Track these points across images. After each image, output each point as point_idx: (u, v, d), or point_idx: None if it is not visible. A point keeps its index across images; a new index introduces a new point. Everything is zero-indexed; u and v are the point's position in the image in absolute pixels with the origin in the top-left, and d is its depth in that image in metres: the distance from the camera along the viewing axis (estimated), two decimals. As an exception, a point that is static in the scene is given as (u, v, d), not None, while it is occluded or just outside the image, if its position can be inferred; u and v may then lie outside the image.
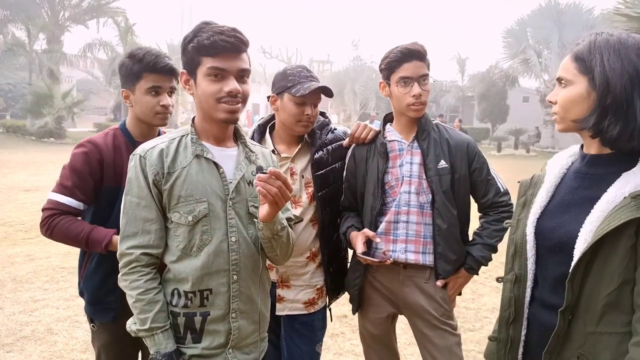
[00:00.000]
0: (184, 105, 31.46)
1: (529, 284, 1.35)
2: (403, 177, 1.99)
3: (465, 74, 34.70)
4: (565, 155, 1.40)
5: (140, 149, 1.48)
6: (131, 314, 1.69)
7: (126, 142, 1.92)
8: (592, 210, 1.19)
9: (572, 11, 27.11)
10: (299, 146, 2.08)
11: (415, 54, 1.92)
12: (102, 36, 28.23)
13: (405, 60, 1.92)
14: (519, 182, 1.50)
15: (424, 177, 1.98)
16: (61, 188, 1.83)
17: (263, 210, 1.41)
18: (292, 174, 2.05)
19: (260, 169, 1.37)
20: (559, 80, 1.27)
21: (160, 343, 1.42)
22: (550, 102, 1.29)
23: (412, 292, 2.02)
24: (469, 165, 2.01)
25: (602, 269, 1.16)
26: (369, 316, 2.13)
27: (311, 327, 2.11)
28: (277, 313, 2.07)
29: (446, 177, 1.96)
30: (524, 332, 1.36)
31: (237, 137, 1.60)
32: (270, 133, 2.13)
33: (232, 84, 1.42)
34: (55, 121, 22.34)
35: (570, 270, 1.18)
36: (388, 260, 1.91)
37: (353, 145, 2.13)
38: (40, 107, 21.94)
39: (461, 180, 1.99)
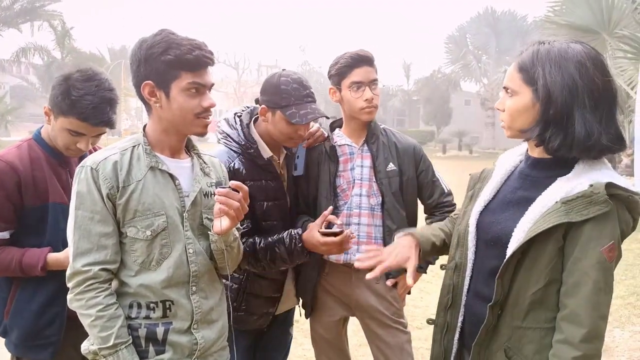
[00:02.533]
0: (127, 112, 30.46)
1: (468, 272, 1.40)
2: (354, 180, 2.03)
3: (411, 79, 35.70)
4: (515, 153, 1.44)
5: (90, 161, 1.39)
6: (74, 347, 1.60)
7: (45, 153, 1.70)
8: (526, 212, 1.24)
9: (507, 18, 28.60)
10: (284, 152, 2.03)
11: (365, 60, 1.97)
12: (37, 40, 26.79)
13: (356, 66, 1.96)
14: (470, 174, 1.56)
15: (374, 179, 2.02)
16: None
17: (221, 223, 1.41)
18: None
19: (219, 184, 1.37)
20: (505, 89, 1.30)
21: (125, 359, 1.36)
22: (498, 109, 1.34)
23: (363, 293, 2.05)
24: (416, 167, 2.08)
25: (530, 268, 1.22)
26: (321, 320, 2.15)
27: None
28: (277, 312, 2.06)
29: (395, 179, 2.02)
30: (460, 318, 1.42)
31: (189, 148, 1.58)
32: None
33: (209, 100, 1.43)
34: (-13, 130, 21.02)
35: (504, 269, 1.24)
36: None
37: (304, 147, 2.10)
38: (-31, 116, 20.58)
39: (409, 182, 2.05)
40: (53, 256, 1.63)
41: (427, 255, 1.54)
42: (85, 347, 1.40)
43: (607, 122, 1.19)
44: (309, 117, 1.81)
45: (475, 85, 30.78)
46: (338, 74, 2.00)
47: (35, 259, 1.61)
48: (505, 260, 1.24)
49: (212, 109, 1.47)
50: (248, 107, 2.04)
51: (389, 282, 2.04)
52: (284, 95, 1.82)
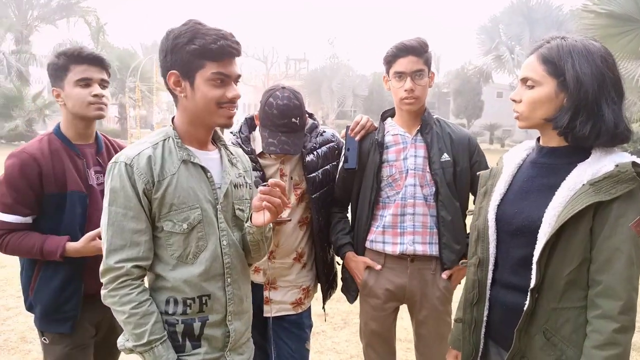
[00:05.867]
0: (159, 105, 31.02)
1: (491, 267, 1.45)
2: (408, 169, 2.04)
3: (441, 71, 35.14)
4: (520, 149, 1.52)
5: (123, 156, 1.39)
6: (89, 321, 1.79)
7: (63, 145, 1.86)
8: (553, 197, 1.29)
9: (542, 8, 27.70)
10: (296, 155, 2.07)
11: (410, 50, 1.97)
12: (73, 36, 27.55)
13: (400, 56, 1.98)
14: (478, 174, 1.62)
15: (428, 169, 2.03)
16: (3, 207, 1.78)
17: (262, 217, 1.42)
18: (281, 175, 2.06)
19: (258, 183, 1.40)
20: (525, 80, 1.35)
21: (160, 355, 1.36)
22: (514, 100, 1.39)
23: (419, 285, 2.07)
24: (470, 158, 2.08)
25: (564, 249, 1.27)
26: (373, 314, 2.15)
27: (300, 324, 2.13)
28: (266, 315, 2.08)
29: (449, 170, 2.03)
30: (486, 312, 1.47)
31: (215, 139, 1.59)
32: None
33: (234, 90, 1.42)
34: (26, 124, 21.75)
35: (538, 251, 1.28)
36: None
37: (357, 140, 2.12)
38: (9, 110, 21.32)
39: (463, 172, 2.06)
40: (71, 245, 1.77)
41: None
42: (121, 343, 1.41)
43: (623, 113, 1.29)
44: (270, 149, 1.92)
45: (508, 77, 30.02)
46: (386, 63, 2.05)
47: (55, 246, 1.76)
48: (542, 244, 1.27)
49: (237, 101, 1.45)
50: None
51: (445, 275, 2.07)
52: (263, 115, 1.95)
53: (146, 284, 1.45)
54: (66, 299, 1.83)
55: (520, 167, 1.47)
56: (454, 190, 2.03)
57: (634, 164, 1.23)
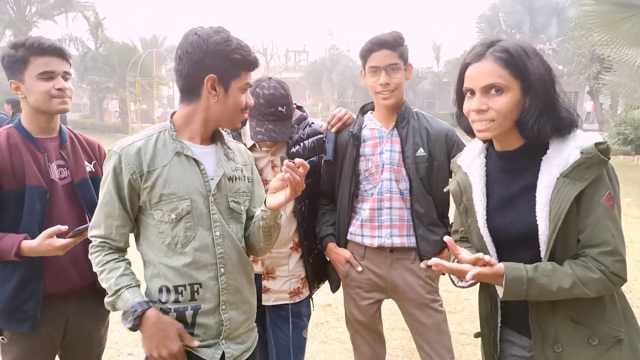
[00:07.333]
0: (159, 100, 30.96)
1: None
2: (383, 164, 2.04)
3: (441, 60, 34.95)
4: (473, 155, 1.49)
5: (117, 146, 1.49)
6: (51, 322, 1.80)
7: (23, 139, 1.77)
8: (536, 199, 1.30)
9: (543, -5, 27.49)
10: (283, 148, 2.09)
11: (384, 44, 1.97)
12: (72, 31, 27.54)
13: (374, 50, 1.99)
14: (447, 190, 1.59)
15: (403, 164, 2.03)
16: None
17: (280, 198, 1.47)
18: (273, 167, 2.08)
19: (283, 158, 1.45)
20: (489, 87, 1.29)
21: (127, 299, 1.44)
22: (480, 110, 1.31)
23: (400, 274, 2.08)
24: (448, 153, 2.06)
25: (564, 242, 1.29)
26: (355, 303, 2.18)
27: (297, 313, 2.15)
28: (264, 303, 2.10)
29: (423, 165, 2.02)
30: (499, 319, 1.46)
31: (215, 135, 1.63)
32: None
33: (250, 98, 1.57)
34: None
35: (545, 254, 1.30)
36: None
37: (334, 132, 2.16)
38: (10, 107, 21.34)
39: (440, 167, 2.05)
40: (27, 244, 1.67)
41: None
42: (105, 300, 1.51)
43: (568, 101, 1.32)
44: (258, 137, 1.94)
45: (508, 66, 29.81)
46: (362, 58, 2.06)
47: (9, 245, 1.67)
48: (547, 247, 1.28)
49: None
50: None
51: (423, 265, 2.04)
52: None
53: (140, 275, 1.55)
54: (25, 299, 1.76)
55: (486, 175, 1.44)
56: (426, 184, 2.04)
57: (596, 144, 1.24)
